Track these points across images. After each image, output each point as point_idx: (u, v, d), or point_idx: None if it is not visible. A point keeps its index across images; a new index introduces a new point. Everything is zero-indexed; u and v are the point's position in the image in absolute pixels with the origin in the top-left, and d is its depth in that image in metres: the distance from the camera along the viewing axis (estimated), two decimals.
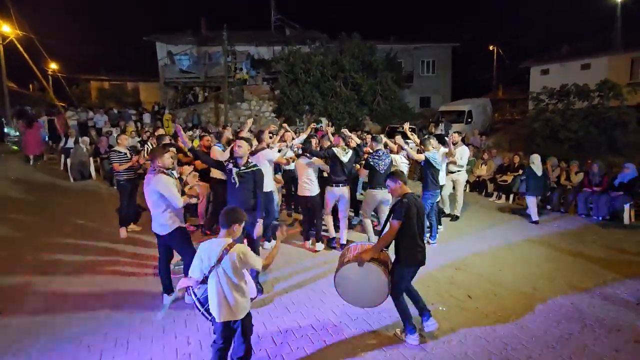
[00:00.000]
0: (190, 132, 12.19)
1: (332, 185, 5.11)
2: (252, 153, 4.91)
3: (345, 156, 5.10)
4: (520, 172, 7.76)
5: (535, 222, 6.53)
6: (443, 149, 5.94)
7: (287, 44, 17.68)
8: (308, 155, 5.22)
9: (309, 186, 5.11)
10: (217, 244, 2.45)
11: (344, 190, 5.14)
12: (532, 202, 6.64)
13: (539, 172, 6.65)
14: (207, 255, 2.44)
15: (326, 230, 5.45)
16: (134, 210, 6.31)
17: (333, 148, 5.16)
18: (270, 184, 5.01)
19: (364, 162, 5.55)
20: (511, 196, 8.20)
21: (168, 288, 3.86)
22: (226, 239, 2.49)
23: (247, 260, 2.42)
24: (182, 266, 3.99)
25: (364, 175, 5.50)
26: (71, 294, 4.11)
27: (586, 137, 11.19)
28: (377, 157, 5.04)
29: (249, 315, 2.57)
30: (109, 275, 4.58)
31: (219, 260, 2.37)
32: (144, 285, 4.31)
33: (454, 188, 6.73)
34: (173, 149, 4.25)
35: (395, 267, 3.10)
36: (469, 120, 15.82)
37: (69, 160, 9.80)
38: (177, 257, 4.16)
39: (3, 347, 3.17)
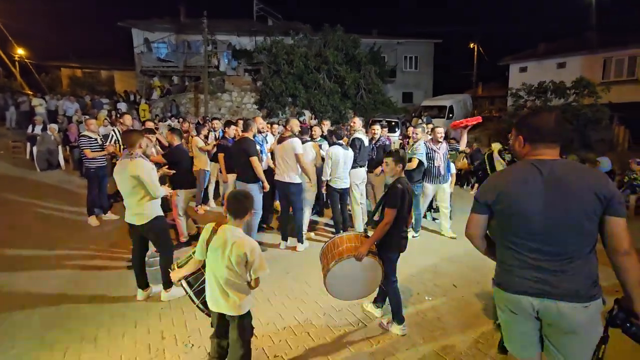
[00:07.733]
0: (169, 122, 11.71)
1: (360, 167, 5.38)
2: (280, 140, 4.82)
3: (366, 140, 5.51)
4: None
5: None
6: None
7: (270, 35, 17.30)
8: (343, 145, 5.01)
9: (344, 178, 5.09)
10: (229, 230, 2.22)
11: (365, 173, 5.49)
12: None
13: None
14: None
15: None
16: (106, 200, 5.97)
17: (358, 134, 5.48)
18: (298, 175, 4.77)
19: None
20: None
21: (142, 283, 3.63)
22: (236, 227, 2.25)
23: (254, 261, 2.18)
24: (157, 258, 3.76)
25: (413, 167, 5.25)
26: (34, 291, 3.80)
27: None
28: (434, 151, 5.22)
29: (248, 314, 2.33)
30: (77, 270, 4.28)
31: (224, 250, 2.16)
32: (117, 278, 4.05)
33: None
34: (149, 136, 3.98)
35: (380, 254, 2.99)
36: (450, 115, 16.02)
37: (34, 149, 9.21)
38: (152, 248, 3.94)
39: None
